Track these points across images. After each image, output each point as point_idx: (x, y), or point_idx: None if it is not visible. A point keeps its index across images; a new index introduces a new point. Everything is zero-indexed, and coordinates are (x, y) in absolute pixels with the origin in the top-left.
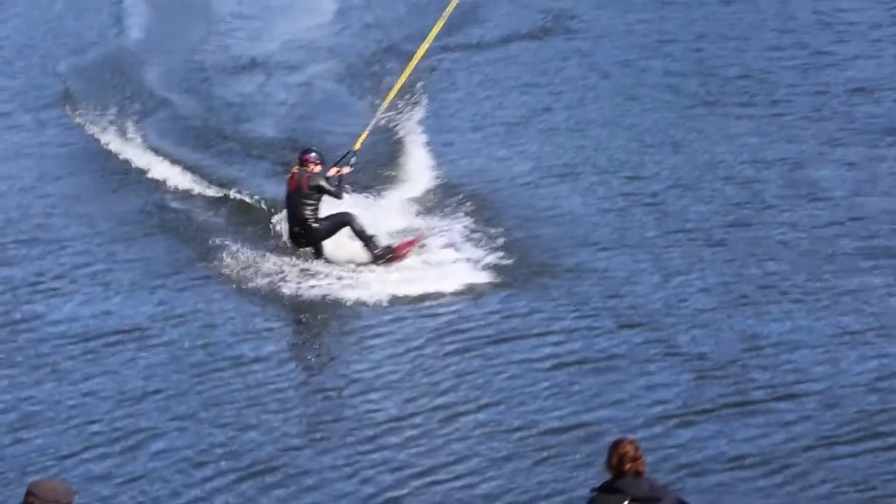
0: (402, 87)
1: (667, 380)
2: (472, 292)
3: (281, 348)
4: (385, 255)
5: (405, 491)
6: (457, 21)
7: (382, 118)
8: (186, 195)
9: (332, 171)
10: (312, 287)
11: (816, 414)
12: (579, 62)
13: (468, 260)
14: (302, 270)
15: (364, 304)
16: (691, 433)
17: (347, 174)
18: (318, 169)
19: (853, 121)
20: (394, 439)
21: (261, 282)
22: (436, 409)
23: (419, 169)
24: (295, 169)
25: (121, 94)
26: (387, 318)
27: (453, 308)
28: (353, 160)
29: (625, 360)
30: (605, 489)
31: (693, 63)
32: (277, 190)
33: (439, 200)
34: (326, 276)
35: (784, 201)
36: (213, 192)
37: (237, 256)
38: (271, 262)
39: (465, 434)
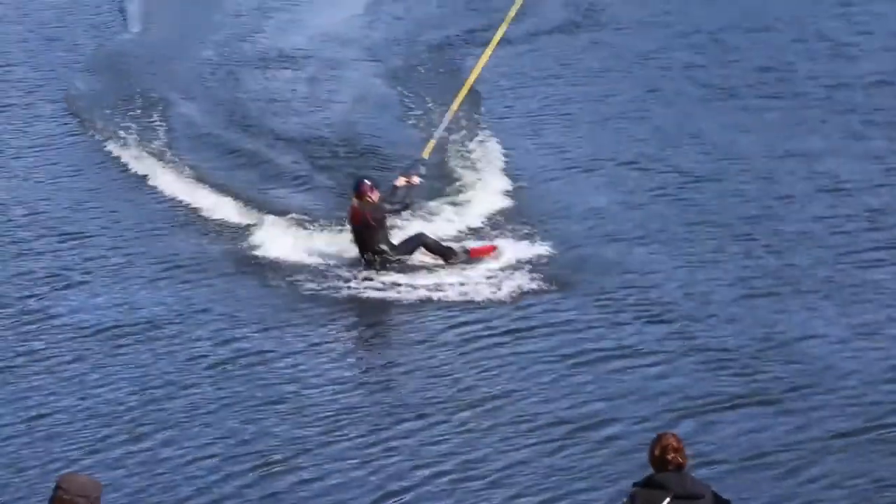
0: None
1: (686, 373)
2: (492, 284)
3: (303, 344)
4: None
5: (421, 484)
6: (481, 14)
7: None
8: (210, 191)
9: (401, 182)
10: (337, 284)
11: (834, 408)
12: (603, 54)
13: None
14: (328, 267)
15: (386, 298)
16: (708, 426)
17: (417, 185)
18: (376, 196)
19: (875, 113)
20: (412, 433)
21: (285, 279)
22: (457, 402)
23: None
24: (354, 202)
25: (141, 88)
26: (409, 311)
27: (473, 301)
28: (422, 169)
29: (644, 354)
30: (647, 484)
31: (715, 55)
32: (301, 186)
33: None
34: (350, 273)
35: (806, 194)
36: (237, 189)
37: (261, 253)
38: (297, 260)
39: (484, 427)
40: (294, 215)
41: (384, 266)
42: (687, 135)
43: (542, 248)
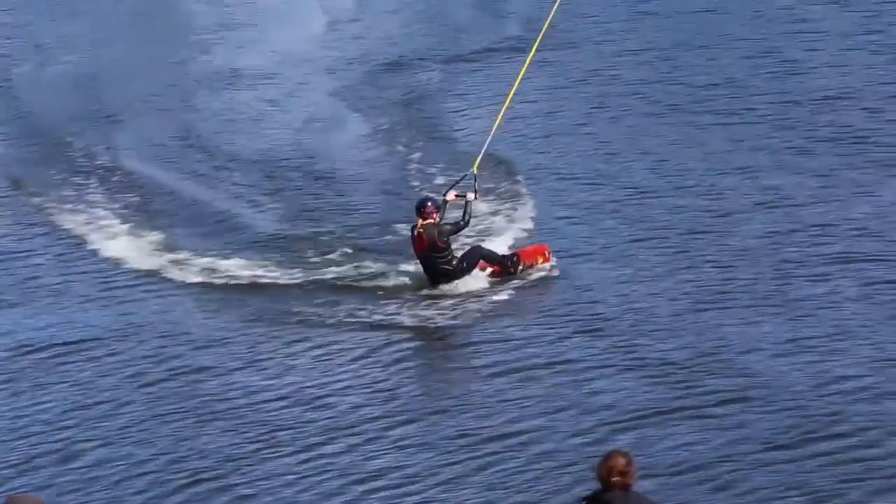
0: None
1: (625, 386)
2: (429, 298)
3: (239, 362)
4: (518, 265)
5: (357, 500)
6: (435, 34)
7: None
8: (146, 211)
9: (451, 196)
10: (274, 303)
11: (769, 420)
12: (552, 71)
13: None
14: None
15: (323, 315)
16: (646, 438)
17: (472, 200)
18: (437, 215)
19: (820, 129)
20: (349, 449)
21: (222, 297)
22: (387, 416)
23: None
24: (420, 228)
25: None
26: (345, 329)
27: (411, 317)
28: (476, 185)
29: (585, 367)
30: (593, 500)
31: (663, 72)
32: (247, 208)
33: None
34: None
35: (748, 209)
36: (174, 209)
37: (196, 265)
38: (232, 269)
39: (421, 443)
40: (232, 236)
41: (449, 282)
42: (633, 151)
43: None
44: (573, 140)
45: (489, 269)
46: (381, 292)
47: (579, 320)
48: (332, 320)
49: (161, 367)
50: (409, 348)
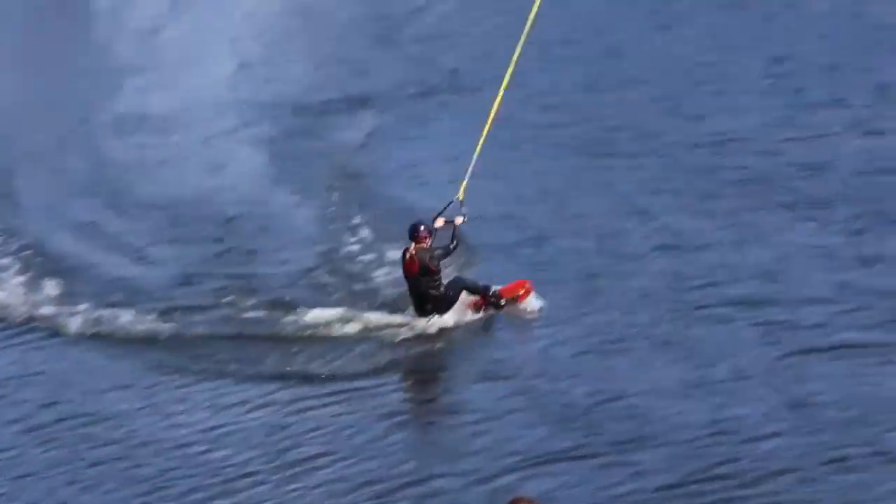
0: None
1: (525, 429)
2: (327, 343)
3: (126, 406)
4: (500, 300)
5: None
6: (344, 76)
7: None
8: (43, 255)
9: (440, 222)
10: (165, 354)
11: (662, 462)
12: (458, 112)
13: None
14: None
15: (212, 361)
16: (544, 481)
17: (460, 225)
18: (430, 241)
19: (720, 172)
20: (230, 494)
21: (119, 339)
22: (285, 463)
23: None
24: (412, 250)
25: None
26: (227, 376)
27: (299, 362)
28: (464, 210)
29: (483, 410)
30: None
31: (567, 114)
32: (145, 255)
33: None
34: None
35: (649, 251)
36: (71, 253)
37: (92, 315)
38: (129, 318)
39: (313, 488)
40: (131, 284)
41: (434, 312)
42: (537, 193)
43: (380, 306)
44: (477, 182)
45: (471, 301)
46: (280, 340)
47: (480, 365)
48: (229, 368)
49: (53, 416)
50: (305, 395)
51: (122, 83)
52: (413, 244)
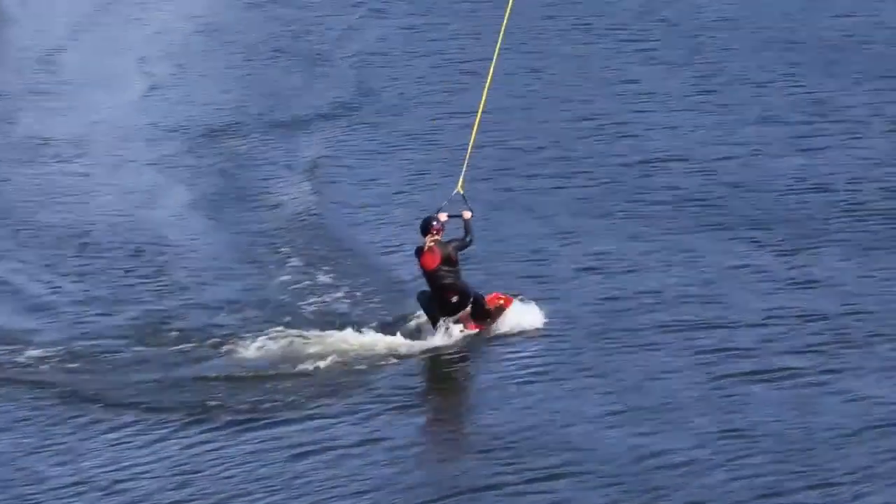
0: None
1: (446, 461)
2: (234, 381)
3: (30, 444)
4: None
5: None
6: (255, 99)
7: None
8: None
9: (444, 217)
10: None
11: (585, 493)
12: (375, 135)
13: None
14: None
15: (114, 396)
16: None
17: (469, 218)
18: (442, 233)
19: (649, 193)
20: None
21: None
22: (188, 501)
23: None
24: (429, 242)
25: None
26: (138, 409)
27: (212, 395)
28: (467, 203)
29: (402, 442)
30: None
31: (489, 134)
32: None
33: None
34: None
35: (576, 275)
36: None
37: None
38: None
39: None
40: (33, 318)
41: (459, 309)
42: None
43: (305, 337)
44: (390, 208)
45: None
46: (197, 376)
47: (401, 396)
48: (130, 401)
49: None
50: (211, 429)
51: (23, 106)
52: (427, 238)
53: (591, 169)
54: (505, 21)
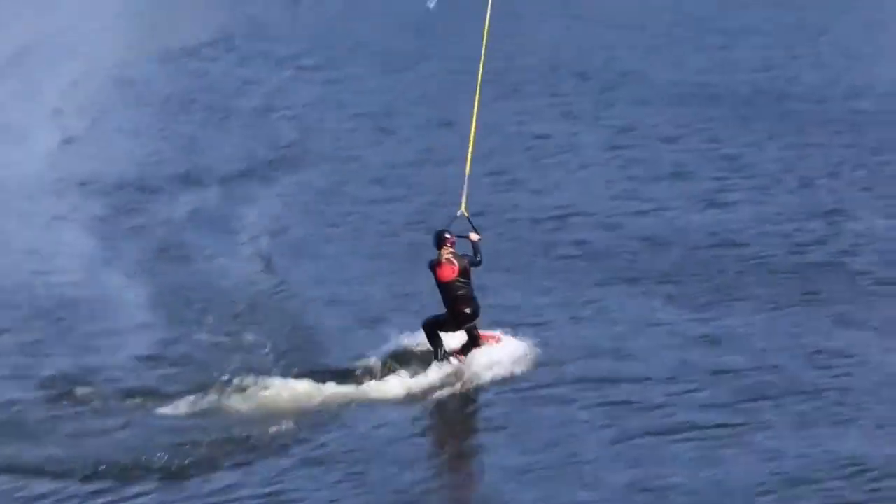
0: None
1: None
2: (164, 430)
3: None
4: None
5: None
6: (170, 154)
7: None
8: None
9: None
10: None
11: None
12: (285, 186)
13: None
14: None
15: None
16: None
17: (477, 241)
18: (455, 246)
19: (558, 247)
20: None
21: None
22: None
23: None
24: (446, 254)
25: None
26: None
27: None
28: (473, 225)
29: (309, 499)
30: None
31: (400, 188)
32: None
33: None
34: None
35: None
36: None
37: None
38: None
39: None
40: None
41: (472, 319)
42: (364, 272)
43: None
44: (306, 263)
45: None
46: (115, 432)
47: (305, 449)
48: (45, 468)
49: None
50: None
51: None
52: (443, 250)
53: (499, 223)
54: (481, 68)
